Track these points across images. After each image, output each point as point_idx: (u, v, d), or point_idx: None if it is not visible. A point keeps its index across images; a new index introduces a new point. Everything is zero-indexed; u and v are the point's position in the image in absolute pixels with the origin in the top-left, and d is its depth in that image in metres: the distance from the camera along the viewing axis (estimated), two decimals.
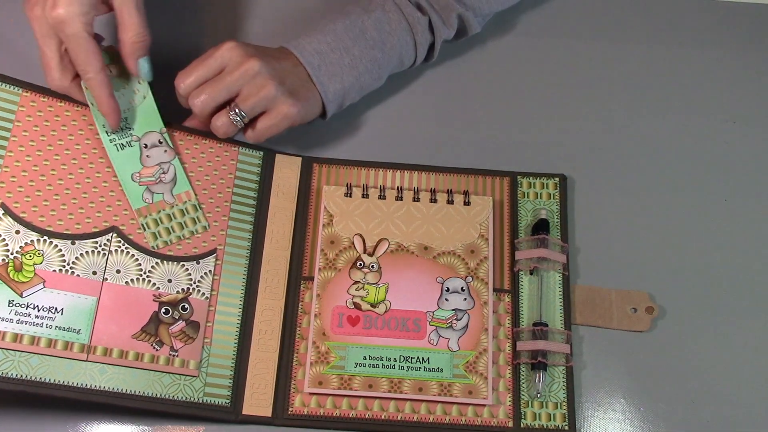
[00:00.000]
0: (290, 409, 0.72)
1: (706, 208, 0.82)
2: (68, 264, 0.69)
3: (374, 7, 0.79)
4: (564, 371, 0.74)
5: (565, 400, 0.73)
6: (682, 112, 0.87)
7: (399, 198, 0.79)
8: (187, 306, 0.72)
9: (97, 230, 0.71)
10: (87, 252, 0.70)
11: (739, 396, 0.75)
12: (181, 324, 0.71)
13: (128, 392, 0.67)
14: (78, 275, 0.69)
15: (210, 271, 0.74)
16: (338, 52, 0.77)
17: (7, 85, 0.71)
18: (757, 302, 0.78)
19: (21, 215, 0.68)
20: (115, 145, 0.73)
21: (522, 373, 0.74)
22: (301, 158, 0.81)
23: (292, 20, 0.89)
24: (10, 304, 0.66)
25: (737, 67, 0.89)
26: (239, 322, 0.74)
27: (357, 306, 0.75)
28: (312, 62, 0.76)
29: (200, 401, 0.70)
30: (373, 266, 0.76)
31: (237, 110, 0.73)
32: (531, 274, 0.77)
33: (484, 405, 0.73)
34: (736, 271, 0.79)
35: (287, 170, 0.80)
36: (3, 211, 0.68)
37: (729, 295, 0.78)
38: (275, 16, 0.90)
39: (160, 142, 0.74)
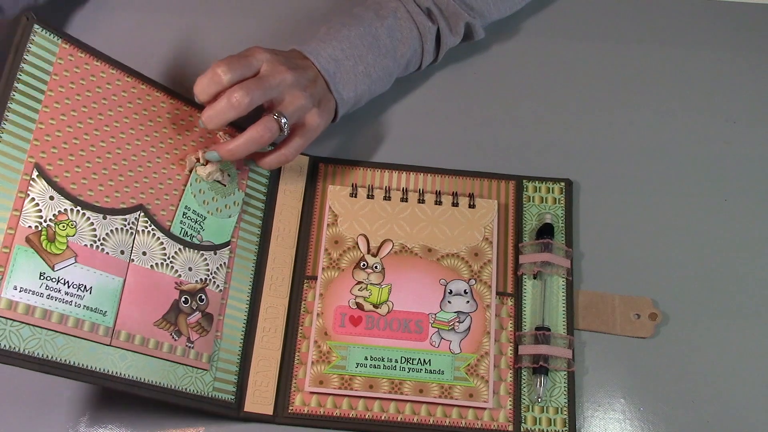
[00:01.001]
0: (291, 408, 0.72)
1: (710, 213, 0.82)
2: (99, 240, 0.66)
3: (386, 13, 0.79)
4: (565, 376, 0.74)
5: (566, 405, 0.73)
6: (683, 113, 0.87)
7: (404, 199, 0.79)
8: (204, 297, 0.71)
9: (124, 206, 0.68)
10: (117, 229, 0.67)
11: (743, 404, 0.74)
12: (197, 315, 0.70)
13: (145, 381, 0.66)
14: (107, 253, 0.66)
15: (225, 263, 0.73)
16: (353, 60, 0.76)
17: (48, 33, 0.66)
18: (761, 310, 0.78)
19: (54, 179, 0.64)
20: (182, 228, 0.72)
21: (523, 377, 0.74)
22: (308, 157, 0.81)
23: (294, 21, 0.89)
24: (42, 277, 0.62)
25: (737, 67, 0.89)
26: (246, 318, 0.74)
27: (359, 306, 0.75)
28: (328, 69, 0.75)
29: (209, 395, 0.70)
30: (376, 267, 0.76)
31: (279, 114, 0.71)
32: (534, 278, 0.77)
33: (484, 408, 0.73)
34: (740, 279, 0.79)
35: (294, 169, 0.81)
36: (37, 173, 0.63)
37: (733, 303, 0.78)
38: (277, 16, 0.90)
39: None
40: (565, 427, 0.72)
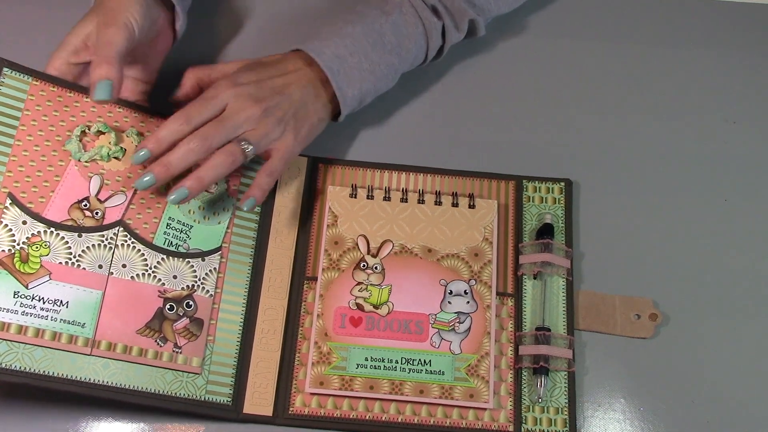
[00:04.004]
0: (291, 409, 0.72)
1: (710, 213, 0.82)
2: (74, 257, 0.68)
3: (391, 9, 0.78)
4: (566, 376, 0.74)
5: (567, 405, 0.73)
6: (683, 113, 0.87)
7: (404, 200, 0.79)
8: (191, 303, 0.72)
9: (102, 223, 0.70)
10: (93, 245, 0.69)
11: (743, 404, 0.74)
12: (185, 321, 0.71)
13: (131, 388, 0.67)
14: (84, 268, 0.68)
15: (215, 268, 0.74)
16: (357, 57, 0.76)
17: (17, 73, 0.70)
18: (761, 310, 0.78)
19: (28, 205, 0.68)
20: (166, 239, 0.72)
21: (524, 377, 0.74)
22: (307, 158, 0.81)
23: (295, 20, 0.89)
24: (16, 296, 0.65)
25: (737, 67, 0.89)
26: (242, 320, 0.74)
27: (360, 307, 0.75)
28: (332, 67, 0.75)
29: (202, 399, 0.70)
30: (376, 267, 0.76)
31: (245, 141, 0.70)
32: (535, 278, 0.77)
33: (485, 409, 0.73)
34: (740, 279, 0.79)
35: (293, 170, 0.80)
36: (10, 201, 0.67)
37: (733, 303, 0.78)
38: (278, 15, 0.90)
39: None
40: (566, 427, 0.72)
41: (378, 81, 0.78)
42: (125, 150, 0.72)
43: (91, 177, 0.70)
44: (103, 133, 0.72)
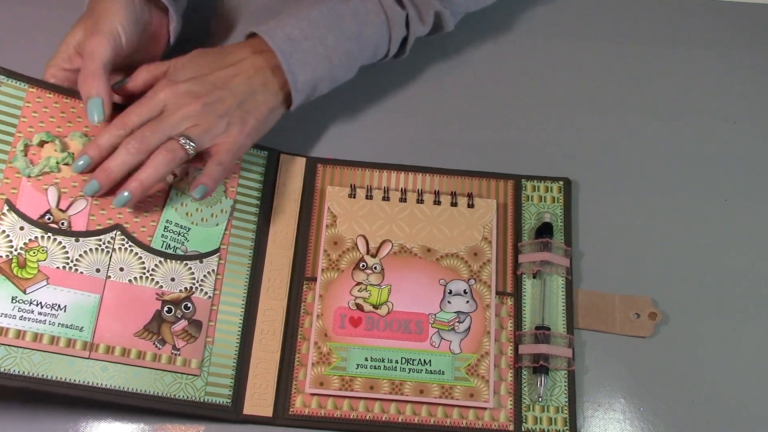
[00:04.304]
0: (291, 410, 0.72)
1: (710, 213, 0.82)
2: (72, 261, 0.68)
3: None
4: (566, 375, 0.74)
5: (567, 404, 0.73)
6: (683, 113, 0.87)
7: (403, 199, 0.79)
8: (189, 305, 0.72)
9: (101, 228, 0.70)
10: (91, 249, 0.69)
11: (743, 404, 0.74)
12: (183, 323, 0.71)
13: (130, 390, 0.67)
14: (81, 272, 0.68)
15: (213, 270, 0.74)
16: (312, 41, 0.74)
17: (14, 81, 0.70)
18: (761, 309, 0.78)
19: (25, 211, 0.68)
20: (164, 241, 0.72)
21: (524, 376, 0.74)
22: (305, 158, 0.81)
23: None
24: (14, 301, 0.65)
25: (737, 67, 0.89)
26: (241, 321, 0.74)
27: (359, 307, 0.75)
28: (284, 49, 0.72)
29: (201, 400, 0.70)
30: (375, 267, 0.76)
31: (185, 137, 0.69)
32: (534, 277, 0.77)
33: (485, 408, 0.72)
34: (740, 279, 0.79)
35: (291, 170, 0.80)
36: (7, 207, 0.67)
37: (733, 302, 0.78)
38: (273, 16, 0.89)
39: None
40: (566, 426, 0.72)
41: (334, 68, 0.76)
42: (74, 155, 0.71)
43: (46, 189, 0.69)
44: (47, 142, 0.70)
